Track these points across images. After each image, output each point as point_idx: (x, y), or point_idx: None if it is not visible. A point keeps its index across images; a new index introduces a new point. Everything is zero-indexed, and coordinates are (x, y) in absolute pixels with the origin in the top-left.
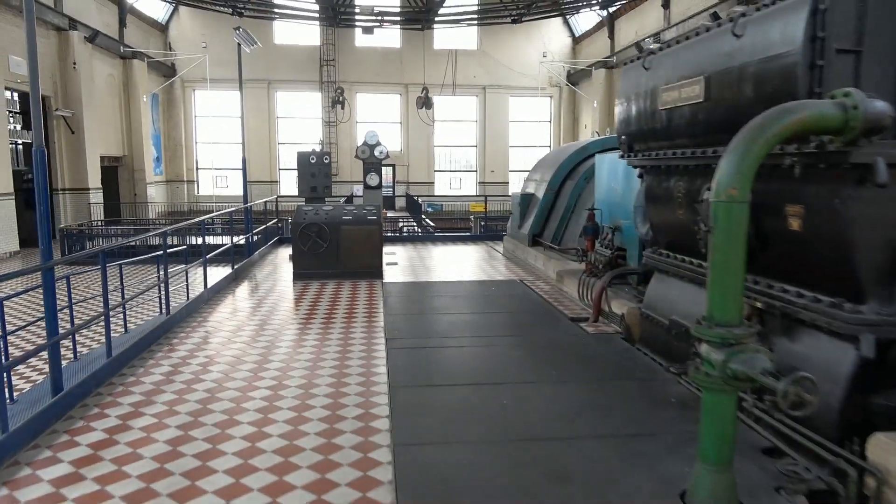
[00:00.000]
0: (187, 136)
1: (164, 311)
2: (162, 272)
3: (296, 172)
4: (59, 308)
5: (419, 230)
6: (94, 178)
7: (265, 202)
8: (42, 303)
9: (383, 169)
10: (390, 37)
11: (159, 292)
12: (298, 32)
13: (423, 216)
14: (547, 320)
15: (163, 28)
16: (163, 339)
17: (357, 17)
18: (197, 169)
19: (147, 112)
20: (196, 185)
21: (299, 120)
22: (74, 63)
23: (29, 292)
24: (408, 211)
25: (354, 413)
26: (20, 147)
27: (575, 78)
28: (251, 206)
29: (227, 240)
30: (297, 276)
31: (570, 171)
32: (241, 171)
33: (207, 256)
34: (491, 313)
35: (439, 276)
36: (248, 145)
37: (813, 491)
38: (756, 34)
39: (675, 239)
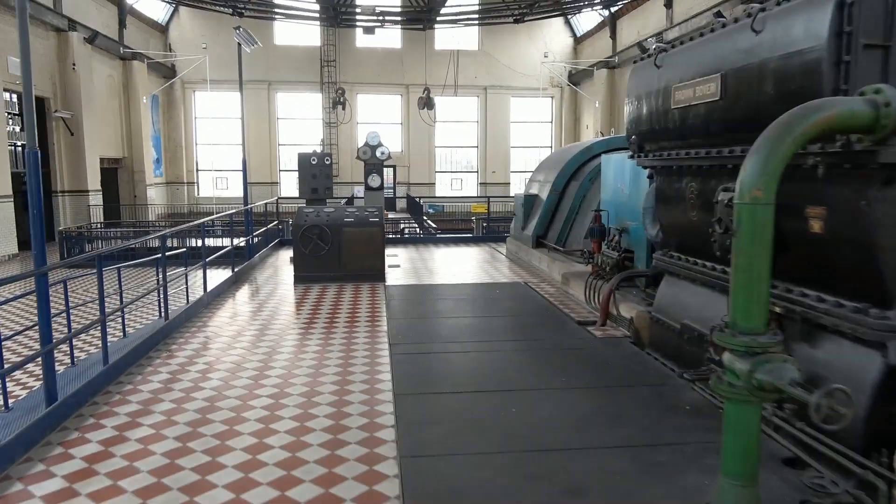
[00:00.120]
0: (187, 137)
1: (163, 315)
2: (161, 276)
3: (296, 174)
4: (56, 313)
5: (420, 232)
6: (94, 180)
7: (265, 204)
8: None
9: (384, 170)
10: (391, 37)
11: (158, 296)
12: (299, 33)
13: (425, 217)
14: (553, 324)
15: (163, 29)
16: (161, 344)
17: (358, 17)
18: (197, 170)
19: (147, 113)
20: (196, 187)
21: (300, 121)
22: (74, 64)
23: (28, 296)
24: (409, 212)
25: (359, 423)
26: (20, 149)
27: (576, 78)
28: (251, 208)
29: (227, 242)
30: (299, 279)
31: (575, 172)
32: (241, 173)
33: (207, 259)
34: (495, 317)
35: (442, 278)
36: (249, 147)
37: None
38: (777, 29)
39: (687, 241)
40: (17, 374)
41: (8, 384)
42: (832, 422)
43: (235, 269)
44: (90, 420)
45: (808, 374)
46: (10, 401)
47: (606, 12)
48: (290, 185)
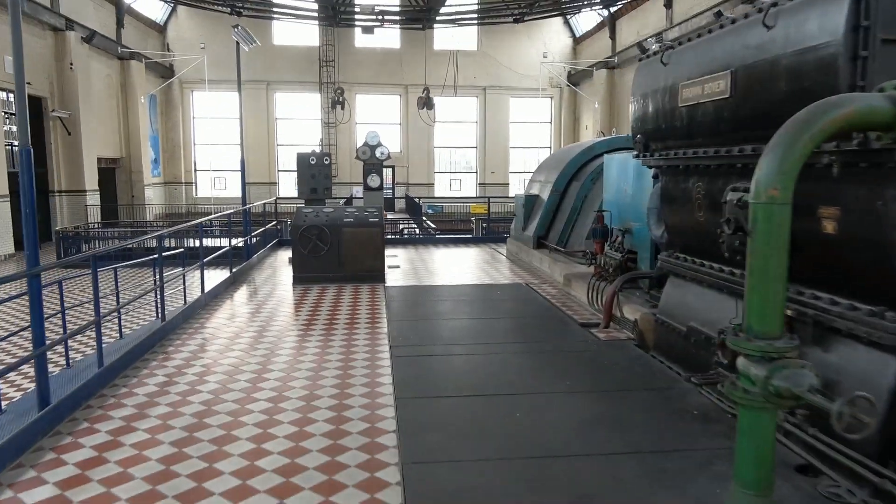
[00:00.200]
0: (185, 137)
1: (159, 316)
2: (157, 276)
3: (295, 174)
4: (52, 314)
5: (419, 232)
6: (91, 180)
7: (264, 204)
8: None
9: (383, 170)
10: (390, 37)
11: (156, 296)
12: (297, 33)
13: (424, 218)
14: (556, 326)
15: (161, 29)
16: (158, 346)
17: (357, 16)
18: (195, 170)
19: (145, 113)
20: (194, 187)
21: (298, 121)
22: (71, 64)
23: (23, 296)
24: (408, 212)
25: (359, 427)
26: (17, 148)
27: (575, 78)
28: (250, 209)
29: (225, 243)
30: (297, 280)
31: (576, 172)
32: (239, 173)
33: (205, 260)
34: (497, 318)
35: (442, 279)
36: (247, 147)
37: None
38: (790, 25)
39: (694, 242)
40: (12, 375)
41: (1, 385)
42: (854, 431)
43: (233, 270)
44: (84, 424)
45: (821, 379)
46: (3, 403)
47: (606, 12)
48: (288, 186)
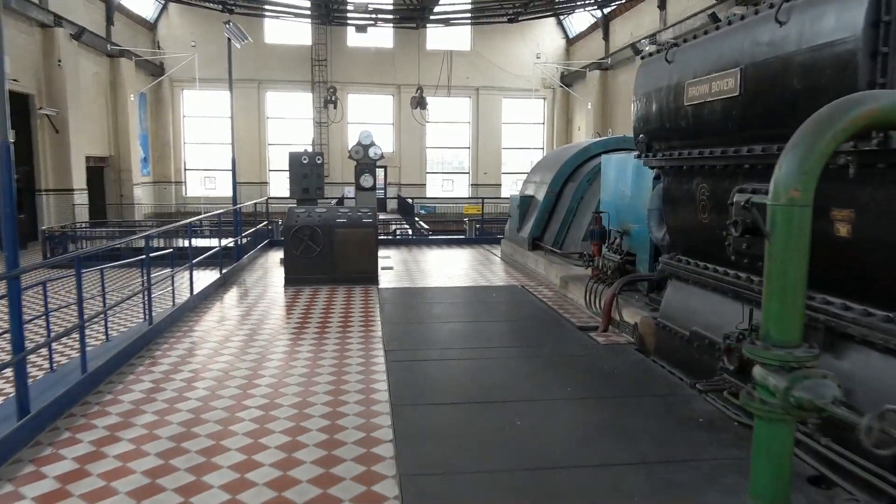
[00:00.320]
0: (175, 136)
1: (147, 319)
2: (145, 278)
3: (286, 173)
4: (35, 317)
5: (412, 233)
6: (80, 179)
7: (255, 204)
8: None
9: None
10: (382, 37)
11: (143, 298)
12: (289, 32)
13: (417, 219)
14: (554, 329)
15: (151, 26)
16: (144, 350)
17: (350, 15)
18: (185, 170)
19: (134, 112)
20: (184, 187)
21: (290, 120)
22: (59, 61)
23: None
24: (400, 213)
25: (355, 437)
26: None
27: (568, 79)
28: (240, 208)
29: (214, 243)
30: (289, 282)
31: (572, 173)
32: (230, 172)
33: (194, 261)
34: (494, 321)
35: (436, 281)
36: (238, 146)
37: None
38: (804, 20)
39: (697, 244)
40: None
41: None
42: (885, 446)
43: (223, 271)
44: (66, 434)
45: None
46: None
47: (599, 13)
48: (279, 185)
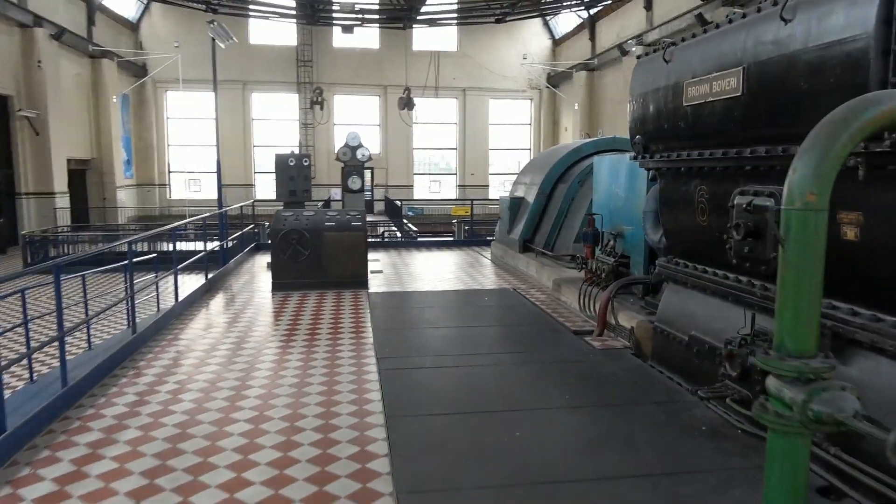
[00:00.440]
0: (159, 138)
1: (130, 327)
2: (128, 285)
3: (272, 175)
4: (14, 325)
5: (400, 235)
6: (61, 182)
7: (241, 207)
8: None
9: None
10: (368, 38)
11: (127, 304)
12: (274, 32)
13: (405, 220)
14: (548, 334)
15: (133, 26)
16: (128, 360)
17: (336, 15)
18: (169, 172)
19: (117, 113)
20: (168, 189)
21: (275, 122)
22: (39, 61)
23: None
24: (387, 215)
25: (349, 451)
26: None
27: (555, 80)
28: (226, 212)
29: (200, 247)
30: (277, 287)
31: (563, 174)
32: (215, 175)
33: (179, 266)
34: (487, 326)
35: (427, 284)
36: (223, 148)
37: None
38: (811, 17)
39: (696, 247)
40: None
41: None
42: None
43: (209, 276)
44: (45, 453)
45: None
46: None
47: (585, 14)
48: (265, 187)
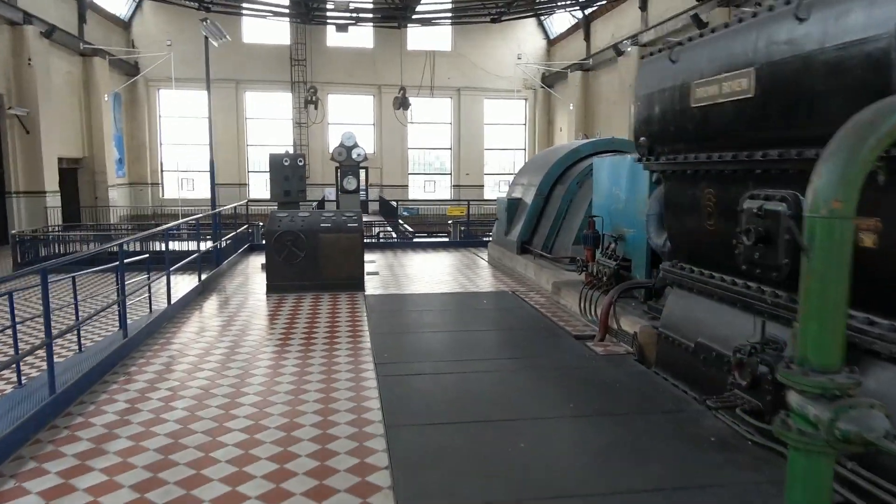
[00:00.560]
0: (151, 136)
1: (121, 330)
2: (120, 287)
3: (266, 175)
4: (5, 327)
5: (396, 236)
6: (52, 181)
7: (235, 207)
8: None
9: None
10: (363, 37)
11: (119, 307)
12: (268, 31)
13: (401, 221)
14: (549, 339)
15: (125, 25)
16: (119, 365)
17: (331, 13)
18: (162, 171)
19: (108, 112)
20: (161, 188)
21: (269, 121)
22: (30, 59)
23: None
24: (382, 215)
25: (347, 464)
26: None
27: (550, 80)
28: (220, 212)
29: (193, 247)
30: (271, 289)
31: (561, 175)
32: (208, 174)
33: (172, 268)
34: (487, 330)
35: (424, 286)
36: (216, 147)
37: None
38: (828, 16)
39: (702, 252)
40: None
41: None
42: None
43: (202, 277)
44: (31, 464)
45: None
46: None
47: (580, 14)
48: (259, 187)
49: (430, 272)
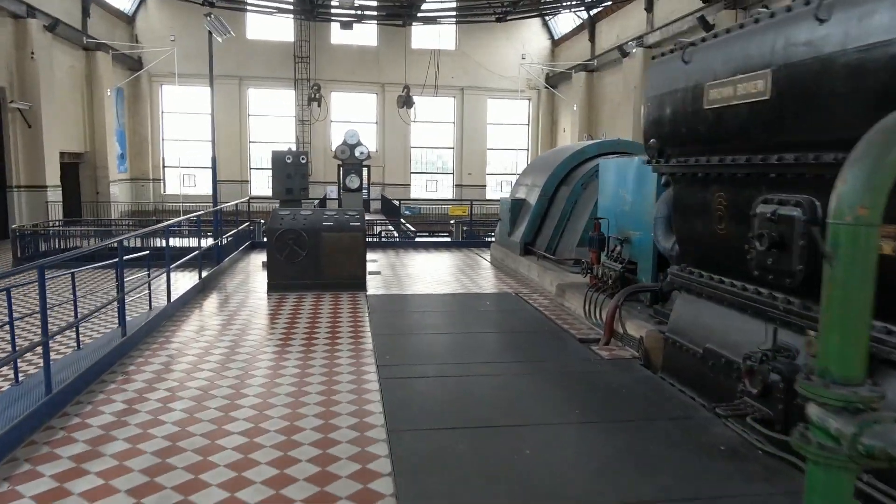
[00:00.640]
0: (154, 132)
1: (120, 328)
2: (119, 285)
3: (268, 172)
4: (3, 323)
5: (397, 235)
6: (53, 176)
7: (236, 204)
8: None
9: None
10: (367, 35)
11: (118, 304)
12: (272, 27)
13: (403, 220)
14: (553, 342)
15: (129, 19)
16: (117, 364)
17: (335, 10)
18: (163, 167)
19: (111, 107)
20: (162, 184)
21: (272, 118)
22: (32, 53)
23: None
24: (384, 214)
25: (349, 469)
26: None
27: (554, 81)
28: (222, 209)
29: (193, 243)
30: (272, 288)
31: (566, 176)
32: (210, 170)
33: (172, 265)
34: (490, 332)
35: (426, 287)
36: (219, 143)
37: None
38: (850, 17)
39: (712, 256)
40: None
41: None
42: None
43: (203, 275)
44: (25, 466)
45: None
46: None
47: (585, 15)
48: (261, 184)
49: (433, 272)
